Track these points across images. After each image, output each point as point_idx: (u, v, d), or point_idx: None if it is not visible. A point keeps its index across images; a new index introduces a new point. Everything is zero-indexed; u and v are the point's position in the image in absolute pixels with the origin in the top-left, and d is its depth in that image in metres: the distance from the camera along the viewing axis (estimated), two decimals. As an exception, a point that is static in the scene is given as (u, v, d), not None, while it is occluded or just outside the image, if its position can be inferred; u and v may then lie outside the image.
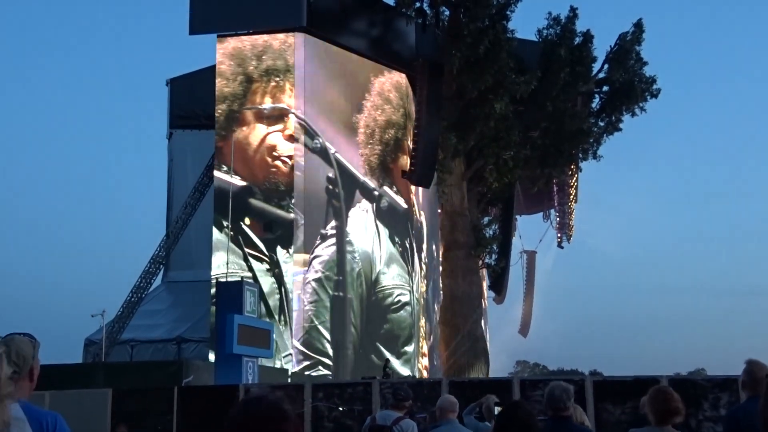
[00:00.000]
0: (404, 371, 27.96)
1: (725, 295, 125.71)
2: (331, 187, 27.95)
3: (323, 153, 27.81)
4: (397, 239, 29.44)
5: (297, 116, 27.65)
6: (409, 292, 29.62)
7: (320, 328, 26.27)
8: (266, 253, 26.70)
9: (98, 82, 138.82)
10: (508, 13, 32.32)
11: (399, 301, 28.49)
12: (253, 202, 26.97)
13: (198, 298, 28.91)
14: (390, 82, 30.91)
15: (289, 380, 22.30)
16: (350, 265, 27.52)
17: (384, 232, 28.67)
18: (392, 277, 28.92)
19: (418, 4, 31.76)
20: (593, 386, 13.73)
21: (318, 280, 26.69)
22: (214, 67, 29.23)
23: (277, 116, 27.64)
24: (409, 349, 28.85)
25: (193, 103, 34.25)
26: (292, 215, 26.87)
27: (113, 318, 28.47)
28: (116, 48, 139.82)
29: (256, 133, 27.63)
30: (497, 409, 8.63)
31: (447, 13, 33.18)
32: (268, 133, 27.63)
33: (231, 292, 19.77)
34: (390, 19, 31.46)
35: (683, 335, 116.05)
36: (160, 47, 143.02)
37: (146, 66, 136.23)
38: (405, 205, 30.59)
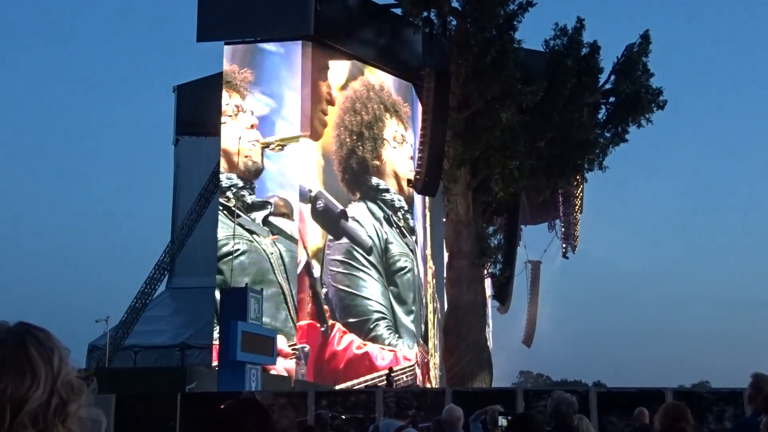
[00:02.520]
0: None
1: (731, 307, 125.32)
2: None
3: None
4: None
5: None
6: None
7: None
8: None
9: (105, 88, 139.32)
10: (515, 23, 32.32)
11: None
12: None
13: (202, 304, 28.88)
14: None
15: (293, 387, 22.26)
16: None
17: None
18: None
19: (425, 14, 31.76)
20: (597, 398, 13.68)
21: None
22: (221, 74, 29.28)
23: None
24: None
25: (199, 110, 34.28)
26: None
27: (117, 324, 28.46)
28: (123, 55, 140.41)
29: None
30: (502, 420, 8.57)
31: (454, 22, 33.20)
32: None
33: (235, 299, 19.75)
34: (397, 28, 31.51)
35: (687, 347, 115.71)
36: (167, 54, 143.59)
37: (153, 73, 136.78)
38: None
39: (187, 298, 32.09)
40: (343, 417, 14.46)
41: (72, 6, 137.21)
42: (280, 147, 27.20)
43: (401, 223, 29.30)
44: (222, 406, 2.38)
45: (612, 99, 37.12)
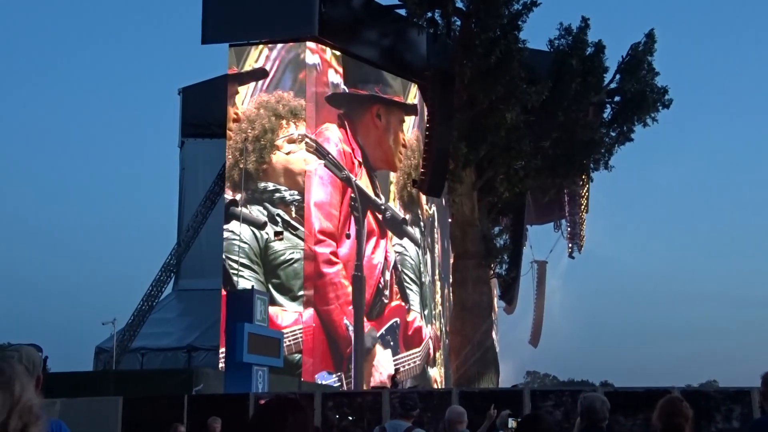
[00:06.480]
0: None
1: (738, 305, 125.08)
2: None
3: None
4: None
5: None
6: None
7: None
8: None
9: (111, 90, 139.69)
10: (519, 23, 32.32)
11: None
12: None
13: (208, 306, 28.93)
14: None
15: (300, 388, 22.28)
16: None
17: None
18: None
19: (429, 14, 31.78)
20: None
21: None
22: (226, 76, 29.33)
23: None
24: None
25: (205, 112, 34.34)
26: None
27: (124, 326, 28.51)
28: (129, 57, 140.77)
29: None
30: (512, 422, 8.57)
31: (458, 23, 33.21)
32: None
33: (241, 301, 19.79)
34: (401, 29, 31.51)
35: (695, 346, 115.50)
36: (172, 56, 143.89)
37: (159, 75, 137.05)
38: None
39: (193, 300, 32.15)
40: (350, 418, 14.47)
41: (76, 8, 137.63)
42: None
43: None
44: (262, 402, 2.48)
45: (617, 98, 37.13)
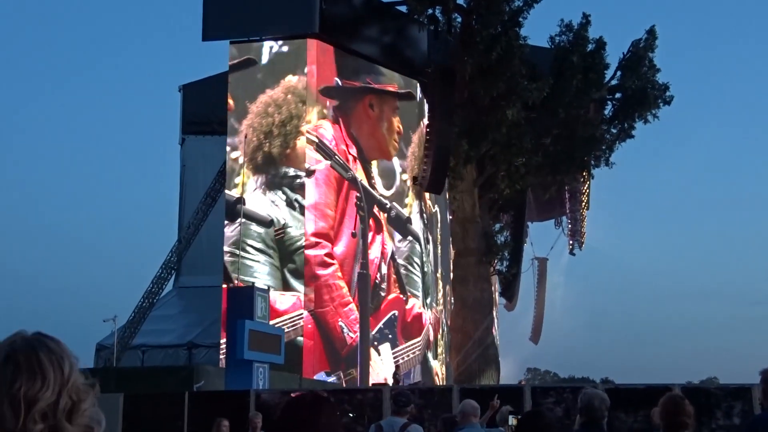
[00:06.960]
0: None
1: (739, 302, 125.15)
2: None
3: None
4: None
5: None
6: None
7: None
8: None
9: (111, 87, 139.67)
10: (520, 19, 32.31)
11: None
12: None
13: (209, 303, 28.95)
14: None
15: (300, 385, 22.29)
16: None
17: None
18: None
19: (430, 11, 31.75)
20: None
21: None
22: (226, 73, 29.33)
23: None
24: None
25: (205, 109, 34.35)
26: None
27: (125, 323, 28.54)
28: (129, 54, 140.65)
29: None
30: (512, 419, 8.62)
31: (459, 19, 33.19)
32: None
33: (242, 298, 19.81)
34: (402, 26, 31.49)
35: (695, 343, 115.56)
36: (172, 53, 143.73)
37: (159, 72, 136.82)
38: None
39: (194, 297, 32.18)
40: (351, 415, 14.49)
41: (75, 6, 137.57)
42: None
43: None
44: (293, 396, 2.53)
45: (618, 95, 37.12)
